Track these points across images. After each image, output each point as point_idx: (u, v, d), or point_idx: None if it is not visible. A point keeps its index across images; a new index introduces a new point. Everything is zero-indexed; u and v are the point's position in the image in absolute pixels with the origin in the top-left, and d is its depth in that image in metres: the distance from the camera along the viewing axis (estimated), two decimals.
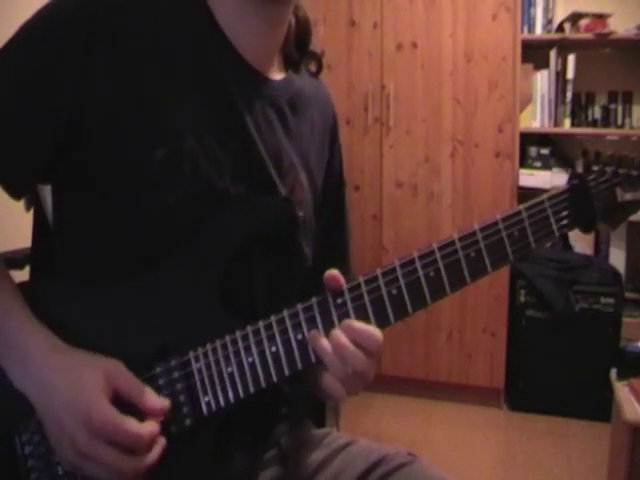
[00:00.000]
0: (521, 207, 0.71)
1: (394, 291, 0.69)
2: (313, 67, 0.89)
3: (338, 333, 0.67)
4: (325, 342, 0.67)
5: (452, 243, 0.70)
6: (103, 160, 0.70)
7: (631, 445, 1.60)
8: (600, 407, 2.33)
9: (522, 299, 2.68)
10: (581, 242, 2.86)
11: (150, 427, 0.64)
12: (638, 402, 1.65)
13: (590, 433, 2.51)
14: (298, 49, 0.85)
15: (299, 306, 0.69)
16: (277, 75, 0.82)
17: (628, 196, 0.73)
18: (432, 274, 0.69)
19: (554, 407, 2.67)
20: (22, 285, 0.73)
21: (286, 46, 0.83)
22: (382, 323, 0.69)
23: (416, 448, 0.86)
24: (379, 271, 0.69)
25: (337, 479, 0.82)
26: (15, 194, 0.73)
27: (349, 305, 0.69)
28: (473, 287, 3.09)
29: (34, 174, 0.74)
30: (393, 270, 0.69)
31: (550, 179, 2.76)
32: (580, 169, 0.75)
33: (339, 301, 0.69)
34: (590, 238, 2.87)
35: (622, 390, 1.74)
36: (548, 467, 2.32)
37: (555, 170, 2.79)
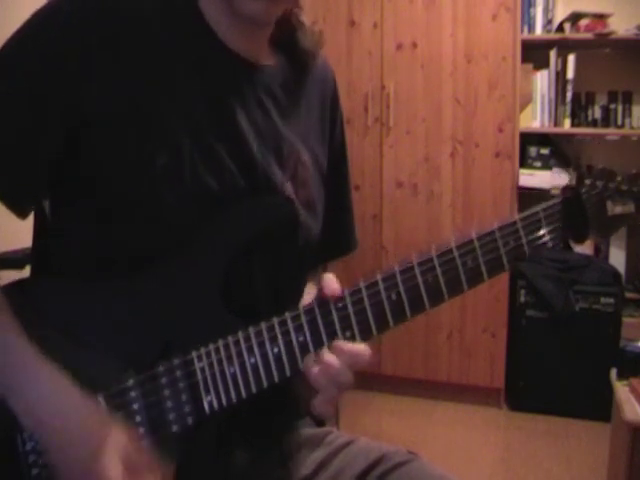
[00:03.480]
0: (516, 217, 0.74)
1: (393, 296, 0.71)
2: (308, 43, 0.85)
3: (328, 356, 0.69)
4: (316, 370, 0.69)
5: (450, 251, 0.72)
6: (103, 168, 0.69)
7: (631, 445, 1.60)
8: (600, 407, 2.33)
9: (522, 299, 2.68)
10: None
11: None
12: (638, 402, 1.65)
13: (590, 433, 2.51)
14: (281, 31, 0.84)
15: (301, 309, 0.71)
16: (268, 61, 0.82)
17: (618, 209, 0.76)
18: (430, 280, 0.71)
19: (554, 407, 2.67)
20: (22, 282, 0.72)
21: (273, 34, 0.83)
22: (381, 328, 0.71)
23: (416, 448, 0.86)
24: (379, 277, 0.71)
25: (337, 478, 0.82)
26: (19, 213, 0.72)
27: (349, 308, 0.71)
28: None
29: (37, 190, 0.73)
30: (393, 276, 0.71)
31: (550, 179, 2.76)
32: (573, 181, 0.78)
33: (340, 305, 0.71)
34: None
35: (622, 390, 1.74)
36: (548, 467, 2.33)
37: (555, 170, 2.79)
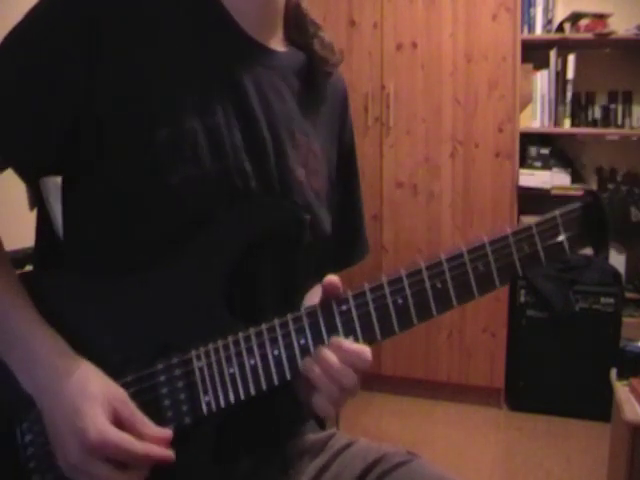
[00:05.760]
0: (532, 223, 0.70)
1: (400, 300, 0.68)
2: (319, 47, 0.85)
3: (328, 354, 0.66)
4: (317, 368, 0.67)
5: (460, 255, 0.69)
6: (110, 147, 0.69)
7: (631, 445, 1.60)
8: (600, 407, 2.33)
9: (522, 299, 2.68)
10: None
11: (146, 446, 0.63)
12: (638, 402, 1.65)
13: (590, 433, 2.51)
14: (296, 27, 0.86)
15: (303, 311, 0.69)
16: (280, 48, 0.83)
17: None
18: (439, 285, 0.68)
19: (554, 407, 2.67)
20: (25, 276, 0.73)
21: (287, 27, 0.85)
22: (386, 333, 0.68)
23: (416, 448, 0.86)
24: (385, 279, 0.68)
25: None
26: (28, 178, 0.77)
27: (353, 312, 0.68)
28: None
29: (47, 159, 0.73)
30: (400, 279, 0.68)
31: (550, 179, 2.76)
32: (594, 186, 0.74)
33: (343, 308, 0.68)
34: None
35: (622, 390, 1.74)
36: (548, 467, 2.33)
37: (555, 170, 2.79)
